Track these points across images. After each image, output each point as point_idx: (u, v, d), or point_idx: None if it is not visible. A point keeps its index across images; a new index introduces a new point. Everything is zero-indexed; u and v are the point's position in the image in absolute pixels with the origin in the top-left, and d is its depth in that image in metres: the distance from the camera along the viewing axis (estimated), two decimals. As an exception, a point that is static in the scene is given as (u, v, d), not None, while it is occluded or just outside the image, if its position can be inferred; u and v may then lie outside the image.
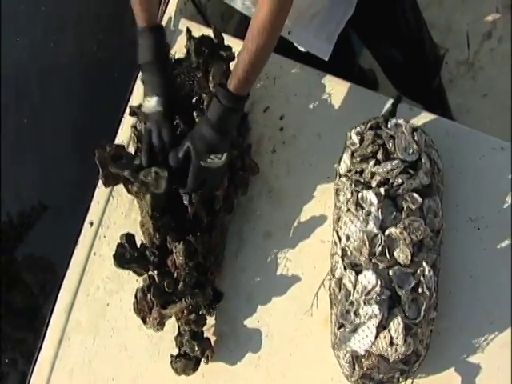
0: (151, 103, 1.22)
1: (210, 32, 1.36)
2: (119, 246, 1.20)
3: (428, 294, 1.07)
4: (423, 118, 1.27)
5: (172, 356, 1.25)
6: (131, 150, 1.33)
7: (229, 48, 1.35)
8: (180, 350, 1.25)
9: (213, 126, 1.15)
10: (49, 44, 2.65)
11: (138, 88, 1.48)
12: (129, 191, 1.23)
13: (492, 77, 2.24)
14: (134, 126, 1.32)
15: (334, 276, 1.14)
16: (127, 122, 1.44)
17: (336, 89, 1.35)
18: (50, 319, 1.39)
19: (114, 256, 1.19)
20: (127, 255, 1.19)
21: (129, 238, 1.20)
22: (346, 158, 1.18)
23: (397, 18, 1.52)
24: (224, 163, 1.18)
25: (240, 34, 1.50)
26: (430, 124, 1.27)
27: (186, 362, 1.23)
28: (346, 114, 1.33)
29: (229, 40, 1.38)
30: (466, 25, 2.31)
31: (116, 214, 1.41)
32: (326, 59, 1.42)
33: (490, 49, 2.28)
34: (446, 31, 2.29)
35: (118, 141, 1.47)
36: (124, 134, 1.45)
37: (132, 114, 1.34)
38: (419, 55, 1.68)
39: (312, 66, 1.40)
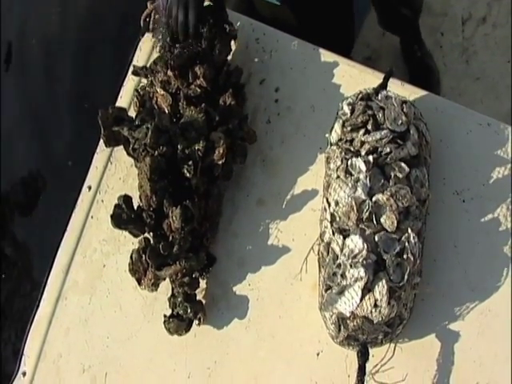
0: None
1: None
2: (116, 206, 1.22)
3: (412, 259, 1.11)
4: (414, 93, 1.31)
5: (165, 316, 1.28)
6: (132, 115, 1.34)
7: (231, 24, 1.36)
8: (173, 310, 1.28)
9: None
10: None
11: (141, 46, 1.49)
12: (128, 153, 1.26)
13: (485, 61, 2.28)
14: (136, 90, 1.34)
15: (322, 241, 1.18)
16: (126, 90, 1.47)
17: (330, 63, 1.38)
18: (47, 279, 1.42)
19: (112, 216, 1.21)
20: (124, 216, 1.22)
21: (126, 199, 1.23)
22: (337, 127, 1.21)
23: None
24: None
25: (240, 9, 1.53)
26: (419, 99, 1.30)
27: (178, 322, 1.27)
28: (339, 87, 1.36)
29: (230, 14, 1.39)
30: (462, 9, 2.34)
31: (114, 179, 1.44)
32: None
33: (484, 34, 2.31)
34: (442, 15, 2.32)
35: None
36: (123, 102, 1.46)
37: (135, 73, 1.36)
38: None
39: (308, 41, 1.42)
